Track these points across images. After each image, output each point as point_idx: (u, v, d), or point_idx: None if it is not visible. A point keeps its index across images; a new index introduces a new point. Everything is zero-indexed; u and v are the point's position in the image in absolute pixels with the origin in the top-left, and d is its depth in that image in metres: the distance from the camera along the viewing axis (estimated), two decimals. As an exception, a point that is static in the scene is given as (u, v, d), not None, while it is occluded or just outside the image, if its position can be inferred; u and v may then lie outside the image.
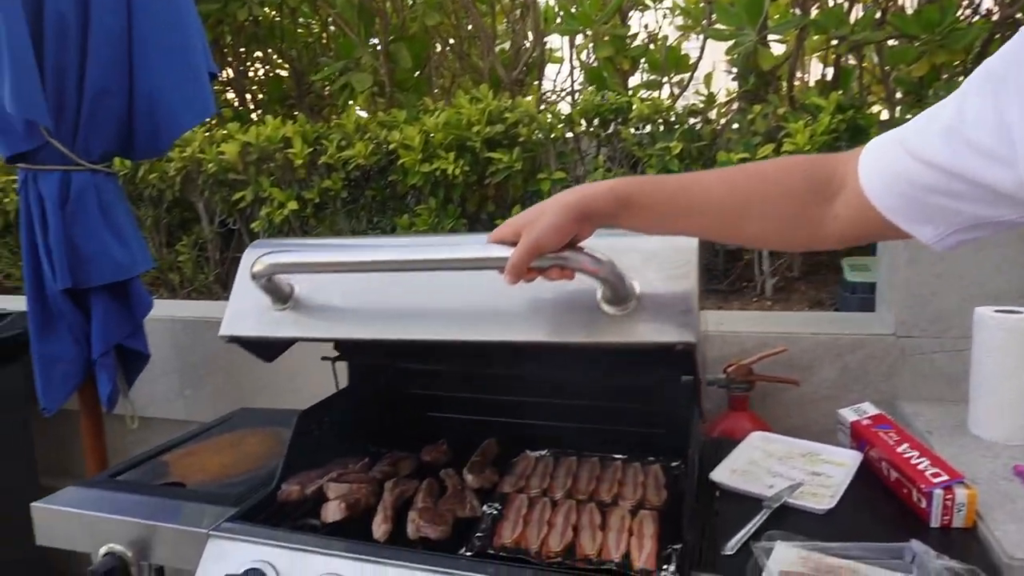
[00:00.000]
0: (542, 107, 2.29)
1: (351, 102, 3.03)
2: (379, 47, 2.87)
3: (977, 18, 2.26)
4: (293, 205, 2.38)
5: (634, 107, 2.12)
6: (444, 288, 1.09)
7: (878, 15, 2.16)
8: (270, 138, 2.42)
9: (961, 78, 2.08)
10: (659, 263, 0.98)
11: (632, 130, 2.15)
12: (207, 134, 2.59)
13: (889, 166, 0.70)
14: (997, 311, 1.30)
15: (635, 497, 1.15)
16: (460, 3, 3.08)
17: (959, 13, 2.09)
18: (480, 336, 1.04)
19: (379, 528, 1.05)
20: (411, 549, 1.02)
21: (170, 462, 1.36)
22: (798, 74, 2.59)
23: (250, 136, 2.44)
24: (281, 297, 1.16)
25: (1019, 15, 2.15)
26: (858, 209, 0.73)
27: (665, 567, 0.95)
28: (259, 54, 3.72)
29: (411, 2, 3.11)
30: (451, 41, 3.36)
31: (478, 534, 1.04)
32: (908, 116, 2.09)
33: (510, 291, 1.04)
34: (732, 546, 1.00)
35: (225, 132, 2.55)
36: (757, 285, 2.15)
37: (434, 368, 1.50)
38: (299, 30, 3.50)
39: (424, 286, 1.10)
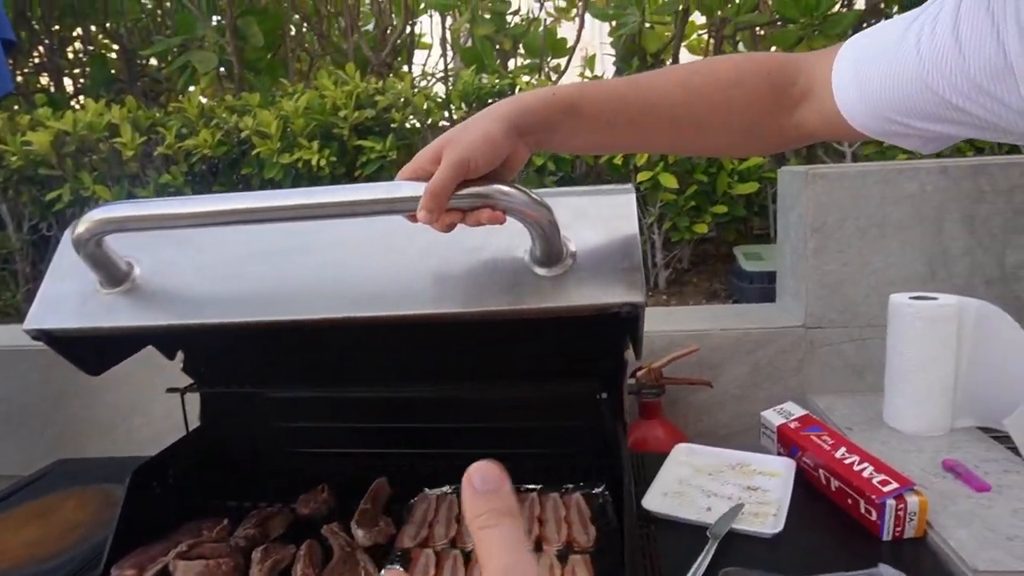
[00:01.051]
0: (415, 91, 2.08)
1: (193, 87, 2.67)
2: (224, 23, 2.53)
3: (846, 10, 2.29)
4: (124, 205, 2.01)
5: (518, 89, 1.95)
6: (329, 258, 0.88)
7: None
8: (92, 125, 2.04)
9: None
10: (594, 217, 0.83)
11: (516, 115, 1.98)
12: (8, 120, 2.15)
13: (872, 87, 0.61)
14: (913, 298, 1.24)
15: (560, 538, 0.98)
16: (316, -23, 2.79)
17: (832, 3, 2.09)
18: (378, 311, 0.83)
19: (247, 619, 0.81)
20: (292, 645, 0.79)
21: (-46, 547, 1.03)
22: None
23: (66, 123, 2.05)
24: (115, 276, 0.88)
25: (882, 5, 2.19)
26: (827, 122, 0.66)
27: (612, 631, 0.79)
28: (79, 31, 3.22)
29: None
30: (308, 19, 3.04)
31: (378, 612, 0.83)
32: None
33: (413, 257, 0.85)
34: (683, 592, 0.86)
35: (31, 118, 2.12)
36: (650, 279, 2.06)
37: (305, 395, 1.25)
38: (127, 3, 3.04)
39: (304, 256, 0.88)
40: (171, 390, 1.11)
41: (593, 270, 0.80)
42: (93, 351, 1.01)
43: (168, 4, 3.09)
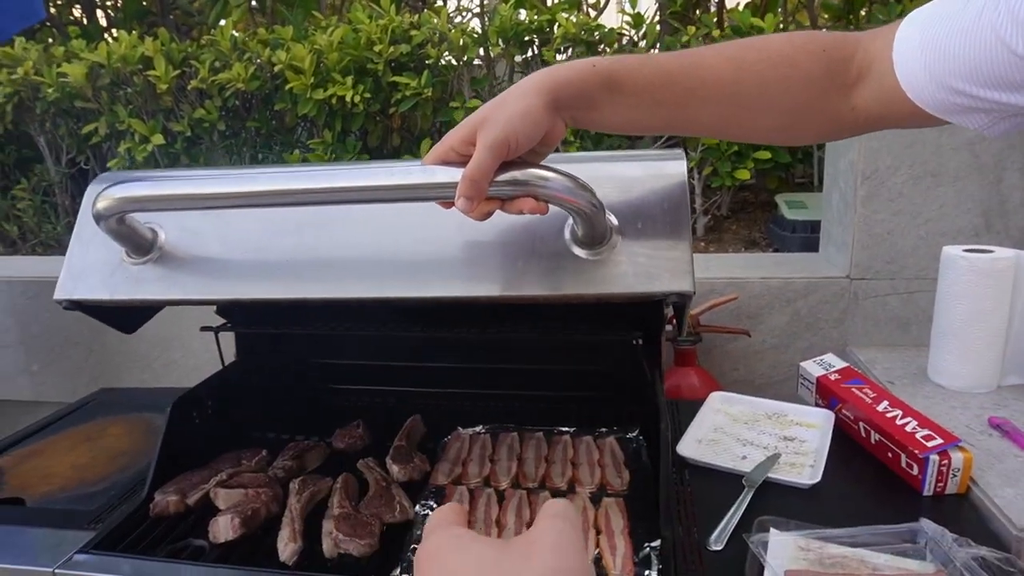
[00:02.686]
0: (451, 26, 2.02)
1: (224, 20, 2.62)
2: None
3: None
4: (158, 139, 2.01)
5: (557, 26, 1.88)
6: (359, 233, 0.84)
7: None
8: (126, 58, 2.02)
9: (896, 2, 1.97)
10: (641, 189, 0.78)
11: (556, 54, 1.92)
12: (44, 52, 2.14)
13: (939, 51, 0.56)
14: (967, 251, 1.20)
15: (594, 481, 0.98)
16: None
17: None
18: (410, 292, 0.81)
19: (286, 547, 0.83)
20: (330, 574, 0.80)
21: (5, 468, 1.07)
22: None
23: (100, 55, 2.03)
24: (141, 246, 0.87)
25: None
26: (886, 101, 0.61)
27: (647, 573, 0.79)
28: (110, -39, 3.17)
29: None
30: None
31: (413, 546, 0.84)
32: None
33: (446, 233, 0.82)
34: (718, 538, 0.85)
35: (66, 50, 2.11)
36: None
37: (342, 332, 1.25)
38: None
39: (333, 231, 0.85)
40: (205, 328, 1.11)
41: (639, 252, 0.76)
42: (125, 315, 1.01)
43: (199, -66, 3.02)
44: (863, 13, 2.08)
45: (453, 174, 0.64)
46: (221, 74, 1.98)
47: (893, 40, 0.60)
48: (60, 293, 0.89)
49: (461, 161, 0.64)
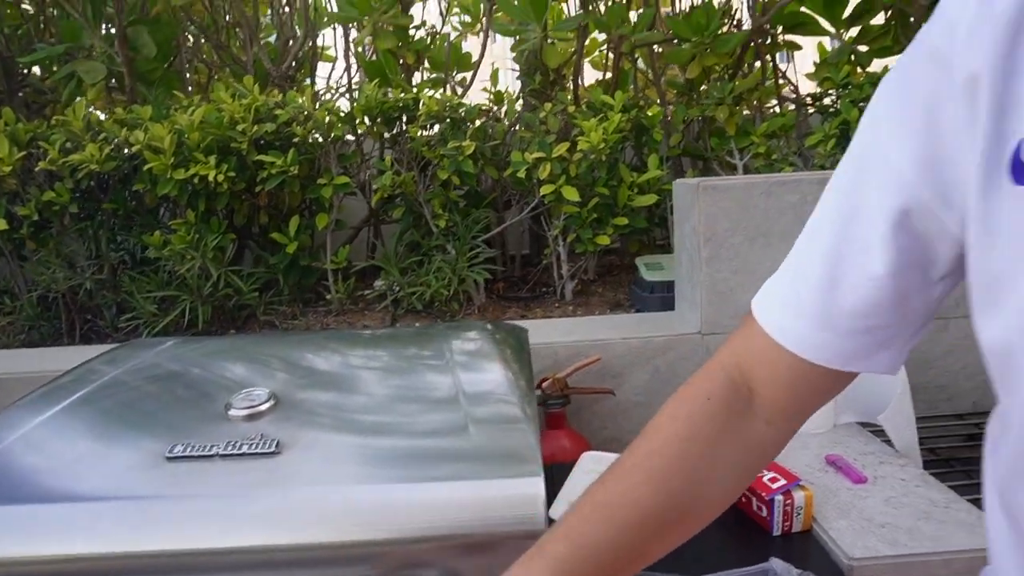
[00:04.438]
0: (318, 105, 2.05)
1: (80, 98, 2.53)
2: (114, 31, 2.41)
3: (735, 31, 2.41)
4: (1, 225, 1.89)
5: (422, 104, 1.95)
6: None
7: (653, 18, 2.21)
8: (-38, 140, 1.90)
9: (728, 81, 2.19)
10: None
11: (420, 130, 1.99)
12: None
13: (812, 308, 0.53)
14: (796, 304, 1.32)
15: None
16: (213, -14, 2.70)
17: (721, 25, 2.21)
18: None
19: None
20: None
21: None
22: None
23: (-68, 137, 1.90)
24: None
25: (768, 26, 2.32)
26: (788, 385, 0.57)
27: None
28: (-52, 37, 2.99)
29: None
30: (205, 30, 2.94)
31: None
32: (684, 118, 2.17)
33: None
34: (585, 599, 0.87)
35: None
36: (557, 290, 2.10)
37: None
38: (2, 7, 2.86)
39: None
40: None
41: None
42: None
43: (52, 11, 2.92)
44: (703, 89, 2.29)
45: None
46: (73, 155, 1.90)
47: (753, 331, 0.57)
48: None
49: None
